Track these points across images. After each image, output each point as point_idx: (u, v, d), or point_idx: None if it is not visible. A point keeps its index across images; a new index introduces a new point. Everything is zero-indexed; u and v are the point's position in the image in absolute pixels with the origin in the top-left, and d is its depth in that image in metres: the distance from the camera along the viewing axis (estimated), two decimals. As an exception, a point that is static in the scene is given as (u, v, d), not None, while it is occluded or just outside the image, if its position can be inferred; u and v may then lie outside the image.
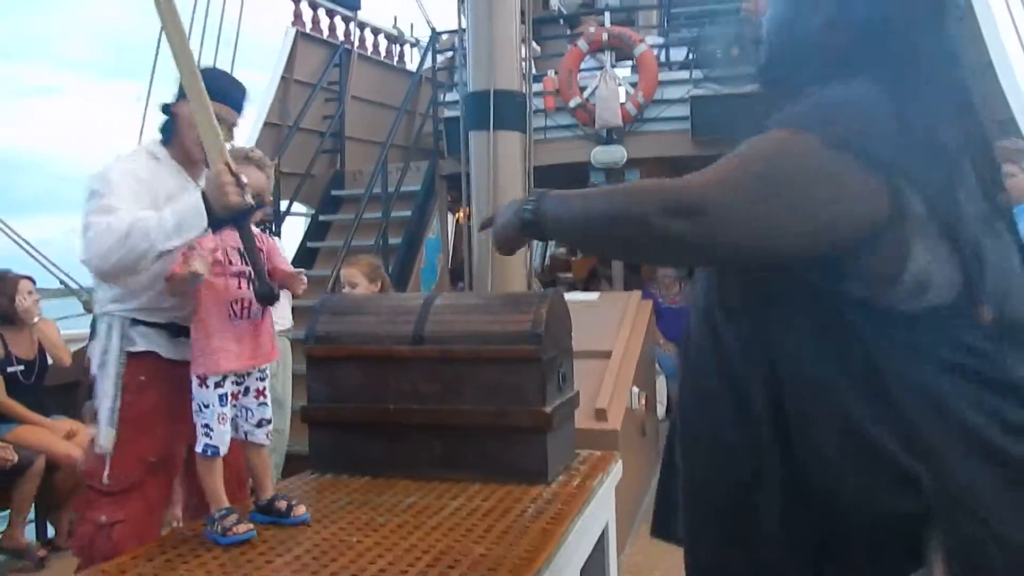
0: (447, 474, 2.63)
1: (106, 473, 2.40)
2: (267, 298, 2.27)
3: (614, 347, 4.36)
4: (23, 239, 5.89)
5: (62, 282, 6.05)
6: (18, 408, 4.42)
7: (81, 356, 4.89)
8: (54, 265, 5.96)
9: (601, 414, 3.85)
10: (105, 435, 2.40)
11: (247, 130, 7.60)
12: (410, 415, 2.69)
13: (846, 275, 1.06)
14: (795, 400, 1.11)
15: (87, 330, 5.67)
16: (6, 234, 5.77)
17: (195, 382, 2.22)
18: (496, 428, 2.63)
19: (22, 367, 4.51)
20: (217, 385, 2.21)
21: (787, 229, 1.06)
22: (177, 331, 2.48)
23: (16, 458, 4.17)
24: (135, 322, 2.47)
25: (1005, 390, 1.05)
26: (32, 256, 5.88)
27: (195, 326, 2.26)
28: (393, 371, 2.73)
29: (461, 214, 9.71)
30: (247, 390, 2.31)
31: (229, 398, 2.24)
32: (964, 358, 1.04)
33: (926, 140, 1.05)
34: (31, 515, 4.51)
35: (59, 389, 4.90)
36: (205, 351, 2.22)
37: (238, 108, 2.58)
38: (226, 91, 2.53)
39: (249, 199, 2.21)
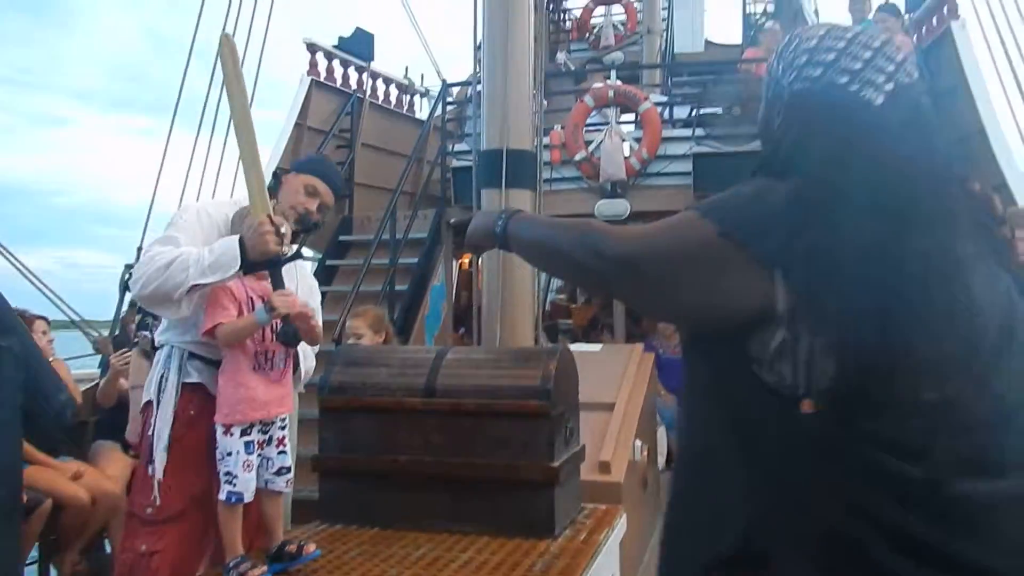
0: (456, 527, 2.68)
1: (151, 502, 2.45)
2: (290, 339, 2.37)
3: (617, 399, 4.42)
4: (28, 270, 5.93)
5: (67, 316, 6.11)
6: (26, 448, 4.45)
7: (90, 396, 4.95)
8: (58, 298, 6.02)
9: (605, 467, 3.89)
10: (160, 462, 2.45)
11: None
12: (420, 467, 2.75)
13: (732, 351, 1.16)
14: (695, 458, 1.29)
15: (96, 370, 5.74)
16: (12, 264, 5.82)
17: (219, 430, 2.30)
18: (505, 481, 2.68)
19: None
20: (244, 433, 2.29)
21: (666, 296, 1.24)
22: None
23: None
24: (192, 355, 2.56)
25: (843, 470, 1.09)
26: (36, 287, 5.93)
27: (222, 375, 2.35)
28: (404, 423, 2.79)
29: (465, 260, 9.85)
30: (270, 439, 2.38)
31: (256, 446, 2.31)
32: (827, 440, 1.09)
33: (823, 240, 1.10)
34: (34, 555, 4.52)
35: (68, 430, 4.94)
36: (230, 400, 2.30)
37: (336, 191, 2.83)
38: (329, 175, 2.82)
39: (286, 249, 2.34)
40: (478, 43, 8.19)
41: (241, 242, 2.33)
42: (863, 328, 1.08)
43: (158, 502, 2.45)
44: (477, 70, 4.25)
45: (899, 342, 1.08)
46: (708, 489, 1.24)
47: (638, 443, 4.34)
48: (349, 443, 2.85)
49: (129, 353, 4.53)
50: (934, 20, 7.25)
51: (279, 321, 2.34)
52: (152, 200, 6.67)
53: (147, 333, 3.91)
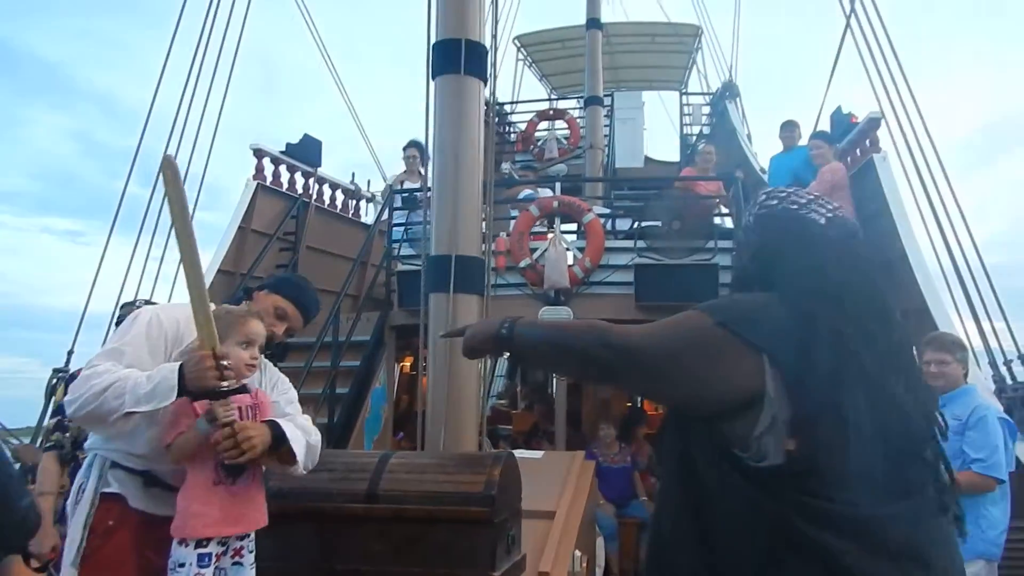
0: (395, 639, 2.61)
1: None
2: (230, 470, 2.34)
3: (558, 507, 4.39)
4: None
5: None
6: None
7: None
8: None
9: (545, 577, 3.83)
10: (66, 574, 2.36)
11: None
12: (359, 576, 2.69)
13: (718, 431, 1.40)
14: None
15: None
16: None
17: (175, 540, 2.23)
18: (445, 592, 2.63)
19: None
20: (199, 545, 2.22)
21: (669, 379, 1.46)
22: (151, 481, 2.47)
23: None
24: (115, 464, 2.47)
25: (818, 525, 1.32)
26: None
27: (181, 489, 2.29)
28: (345, 530, 2.74)
29: (407, 364, 9.80)
30: (226, 550, 2.31)
31: (213, 559, 2.24)
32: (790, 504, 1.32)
33: (803, 329, 1.38)
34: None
35: None
36: (184, 514, 2.24)
37: (308, 316, 2.86)
38: (302, 299, 2.83)
39: (227, 383, 2.32)
40: (412, 148, 8.45)
41: (181, 370, 2.30)
42: (824, 413, 1.33)
43: None
44: (425, 176, 4.38)
45: (846, 429, 1.32)
46: (671, 555, 1.48)
47: (577, 554, 4.30)
48: (286, 551, 2.77)
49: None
50: (857, 151, 7.74)
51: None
52: (87, 303, 6.51)
53: (66, 434, 3.74)
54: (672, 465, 1.52)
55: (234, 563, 2.34)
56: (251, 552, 2.38)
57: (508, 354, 1.71)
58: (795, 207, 1.57)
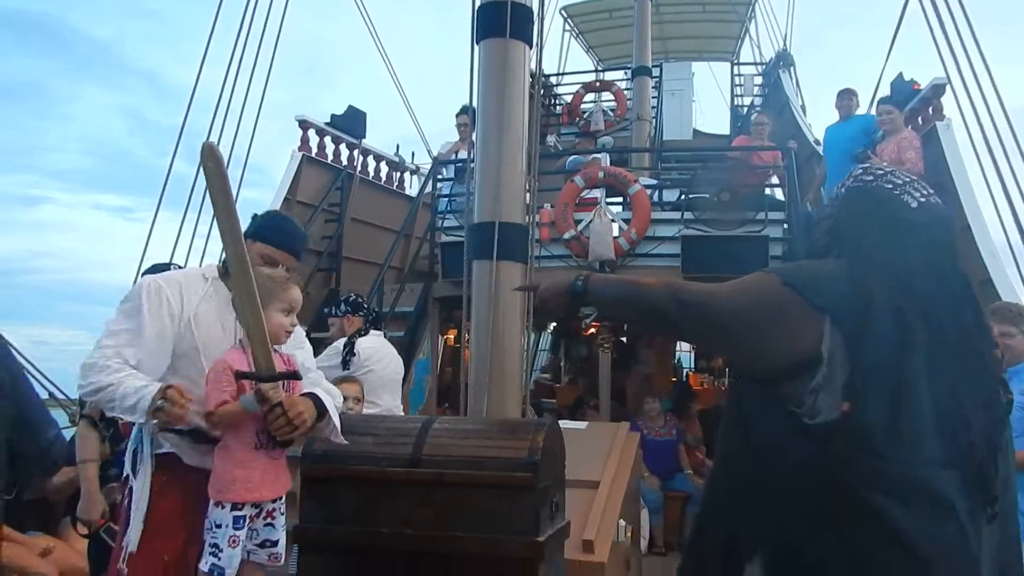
0: (438, 603, 2.60)
1: (125, 571, 2.43)
2: (273, 438, 2.37)
3: (602, 477, 4.35)
4: (16, 348, 5.87)
5: (51, 394, 5.99)
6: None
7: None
8: (44, 376, 5.91)
9: (588, 546, 3.80)
10: (136, 534, 2.43)
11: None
12: (402, 540, 2.68)
13: (776, 391, 1.45)
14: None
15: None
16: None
17: (212, 501, 2.25)
18: (488, 557, 2.61)
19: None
20: (235, 508, 2.24)
21: (732, 334, 1.54)
22: (199, 437, 2.50)
23: None
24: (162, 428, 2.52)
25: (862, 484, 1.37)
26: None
27: (220, 451, 2.31)
28: (388, 494, 2.73)
29: (451, 336, 9.82)
30: (260, 512, 2.33)
31: (247, 521, 2.26)
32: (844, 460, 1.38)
33: (861, 298, 1.43)
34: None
35: (36, 504, 4.79)
36: (224, 478, 2.26)
37: (296, 254, 2.80)
38: (284, 241, 2.76)
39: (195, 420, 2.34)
40: (464, 115, 8.36)
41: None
42: (881, 376, 1.38)
43: (125, 572, 2.41)
44: (471, 143, 4.32)
45: (903, 392, 1.37)
46: (728, 495, 1.57)
47: (622, 523, 4.26)
48: (331, 514, 2.77)
49: None
50: (919, 119, 7.46)
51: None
52: (136, 279, 6.59)
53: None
54: (734, 427, 1.58)
55: (266, 524, 2.36)
56: (282, 514, 2.41)
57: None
58: (890, 187, 1.58)
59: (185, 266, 5.54)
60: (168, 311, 2.52)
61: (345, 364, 4.27)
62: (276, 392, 2.29)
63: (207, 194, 2.44)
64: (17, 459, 2.23)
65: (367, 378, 4.30)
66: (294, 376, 2.41)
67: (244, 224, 2.54)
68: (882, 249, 1.50)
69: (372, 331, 4.56)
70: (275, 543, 2.37)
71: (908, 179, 1.61)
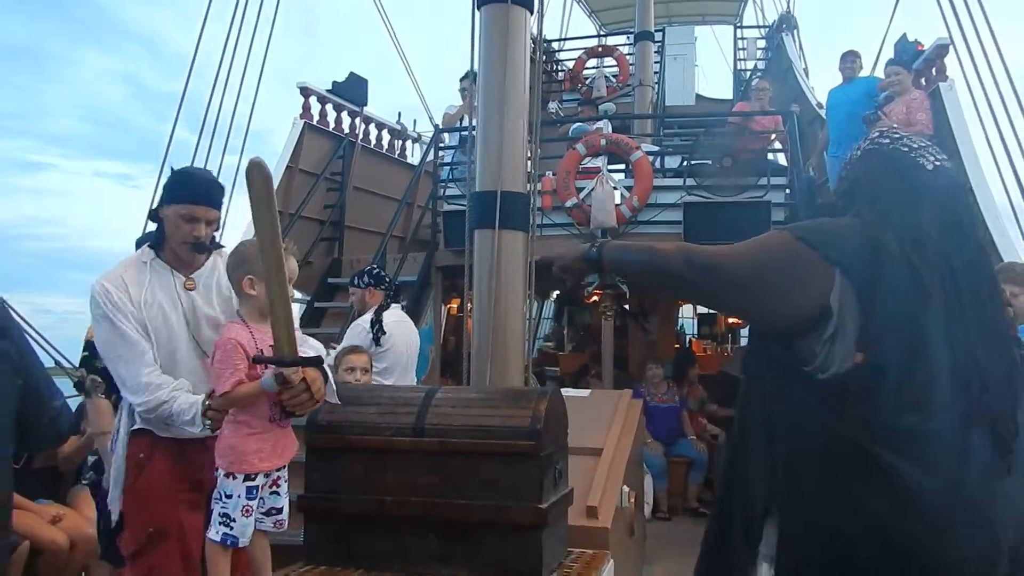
0: (442, 569, 2.64)
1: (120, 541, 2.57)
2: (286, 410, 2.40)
3: (605, 444, 4.38)
4: (21, 316, 5.88)
5: (56, 362, 6.00)
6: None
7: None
8: (50, 344, 5.91)
9: (592, 512, 3.84)
10: (115, 508, 2.57)
11: (249, 215, 7.76)
12: (407, 508, 2.71)
13: (789, 348, 1.48)
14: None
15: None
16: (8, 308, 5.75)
17: (222, 473, 2.27)
18: (493, 524, 2.65)
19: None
20: (247, 478, 2.26)
21: (747, 292, 1.55)
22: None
23: None
24: None
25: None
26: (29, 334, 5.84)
27: (233, 425, 2.32)
28: (392, 463, 2.76)
29: (454, 306, 9.83)
30: (267, 481, 2.36)
31: (259, 491, 2.29)
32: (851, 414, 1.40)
33: (872, 251, 1.45)
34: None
35: (46, 472, 4.84)
36: (238, 450, 2.27)
37: (212, 203, 2.69)
38: (198, 194, 2.64)
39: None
40: (467, 80, 8.28)
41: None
42: (894, 327, 1.40)
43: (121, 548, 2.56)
44: (473, 112, 4.30)
45: (912, 349, 1.39)
46: (746, 457, 1.57)
47: (625, 489, 4.30)
48: (336, 483, 2.81)
49: None
50: (922, 81, 7.38)
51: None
52: (137, 247, 6.60)
53: (96, 378, 3.81)
54: (749, 388, 1.60)
55: (272, 493, 2.39)
56: (285, 481, 2.45)
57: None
58: (906, 149, 1.60)
59: None
60: (125, 310, 2.53)
61: (377, 341, 4.28)
62: (297, 375, 2.30)
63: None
64: (26, 429, 2.25)
65: (386, 355, 4.31)
66: (317, 362, 2.40)
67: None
68: (898, 208, 1.52)
69: (392, 304, 4.56)
70: (280, 510, 2.41)
71: (923, 144, 1.63)
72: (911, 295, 1.41)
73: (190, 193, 2.62)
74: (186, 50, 6.77)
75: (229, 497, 2.26)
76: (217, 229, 2.75)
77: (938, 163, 1.58)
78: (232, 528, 2.25)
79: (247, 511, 2.26)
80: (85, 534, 4.26)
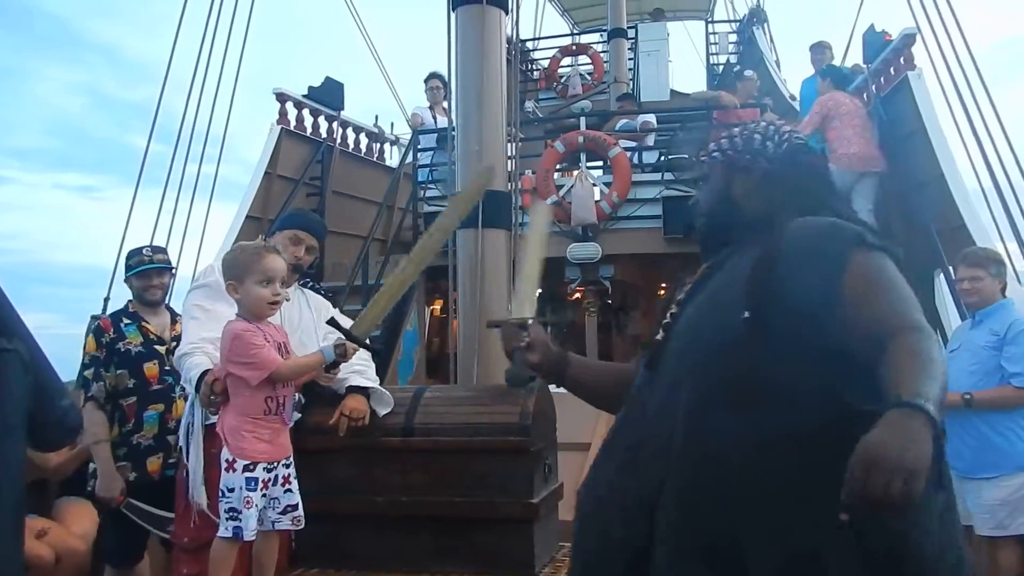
0: (436, 566, 2.66)
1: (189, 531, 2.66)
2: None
3: (593, 439, 4.43)
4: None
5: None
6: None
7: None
8: None
9: (582, 507, 3.87)
10: (202, 497, 2.60)
11: (228, 223, 7.75)
12: (399, 507, 2.73)
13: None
14: None
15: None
16: None
17: (222, 466, 2.29)
18: (485, 520, 2.67)
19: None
20: (246, 469, 2.28)
21: None
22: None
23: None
24: None
25: None
26: None
27: (228, 412, 2.34)
28: (383, 463, 2.78)
29: (437, 307, 9.83)
30: (276, 479, 2.36)
31: (260, 484, 2.30)
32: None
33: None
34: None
35: (31, 486, 4.80)
36: (233, 433, 2.30)
37: (316, 234, 3.09)
38: (303, 222, 3.09)
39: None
40: (435, 80, 8.29)
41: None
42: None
43: (186, 540, 2.67)
44: (450, 112, 4.32)
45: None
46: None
47: (615, 483, 4.33)
48: (327, 485, 2.82)
49: None
50: (891, 70, 7.48)
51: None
52: (117, 257, 6.53)
53: (101, 384, 3.80)
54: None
55: (286, 491, 2.41)
56: (295, 479, 2.45)
57: None
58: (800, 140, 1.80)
59: (161, 244, 5.55)
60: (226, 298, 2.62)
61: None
62: (352, 351, 2.46)
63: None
64: (35, 429, 2.24)
65: None
66: (374, 349, 2.73)
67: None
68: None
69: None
70: (295, 506, 2.42)
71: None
72: None
73: (298, 222, 3.08)
74: (146, 57, 6.78)
75: (232, 491, 2.28)
76: (314, 261, 3.17)
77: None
78: (239, 520, 2.27)
79: (248, 502, 2.27)
80: (71, 547, 4.21)
